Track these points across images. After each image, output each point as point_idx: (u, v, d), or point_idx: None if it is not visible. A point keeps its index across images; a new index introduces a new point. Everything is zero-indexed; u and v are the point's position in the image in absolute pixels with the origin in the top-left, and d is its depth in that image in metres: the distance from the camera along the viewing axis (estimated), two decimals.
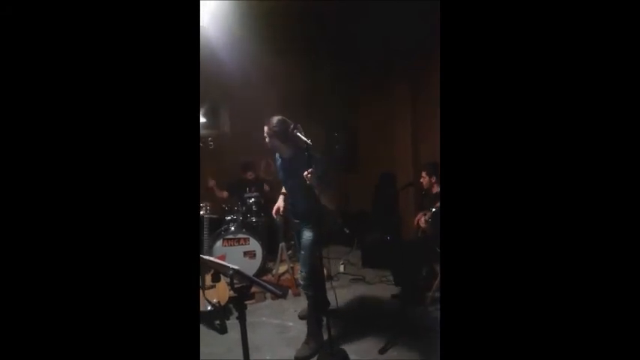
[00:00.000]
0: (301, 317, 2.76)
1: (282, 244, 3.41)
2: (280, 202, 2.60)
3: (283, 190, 2.61)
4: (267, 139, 2.29)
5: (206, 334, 2.63)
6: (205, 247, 2.94)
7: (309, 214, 2.34)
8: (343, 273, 3.78)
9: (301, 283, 2.35)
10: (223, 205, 3.74)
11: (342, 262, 3.94)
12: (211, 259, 1.78)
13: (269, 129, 2.25)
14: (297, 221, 2.46)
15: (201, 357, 2.30)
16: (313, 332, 2.37)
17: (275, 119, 2.25)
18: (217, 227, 3.44)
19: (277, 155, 2.43)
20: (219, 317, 2.69)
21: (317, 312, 2.43)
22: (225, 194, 3.89)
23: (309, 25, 4.16)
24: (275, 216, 2.66)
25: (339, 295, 2.60)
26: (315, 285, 2.38)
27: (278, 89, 4.44)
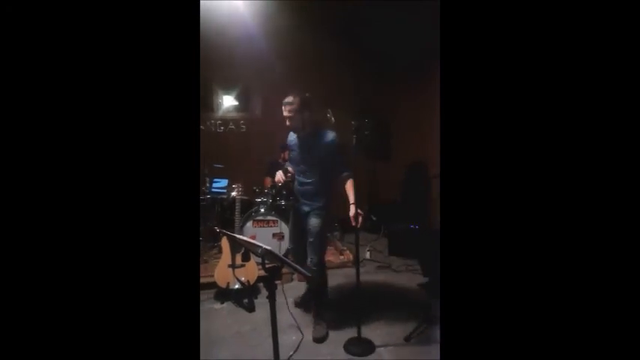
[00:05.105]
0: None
1: None
2: (280, 176, 2.44)
3: (288, 167, 2.53)
4: (290, 116, 2.28)
5: (234, 312, 2.72)
6: (236, 227, 3.00)
7: (320, 197, 2.40)
8: (369, 260, 3.78)
9: (313, 269, 2.37)
10: (254, 188, 3.80)
11: (368, 248, 3.94)
12: (244, 238, 1.82)
13: (294, 105, 2.26)
14: (306, 203, 2.46)
15: (228, 335, 2.41)
16: (321, 314, 2.48)
17: (298, 95, 2.28)
18: (248, 208, 3.51)
19: (291, 134, 2.47)
20: (247, 296, 2.77)
21: (323, 295, 2.55)
22: (268, 181, 3.97)
23: (343, 17, 4.14)
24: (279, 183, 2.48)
25: (366, 281, 2.62)
26: (322, 270, 2.49)
27: (310, 74, 4.44)
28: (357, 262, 2.39)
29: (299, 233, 2.53)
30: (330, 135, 2.34)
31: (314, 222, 2.38)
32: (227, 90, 4.73)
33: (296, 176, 2.47)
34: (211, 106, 4.67)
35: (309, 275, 1.74)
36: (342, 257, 3.70)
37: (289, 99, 2.27)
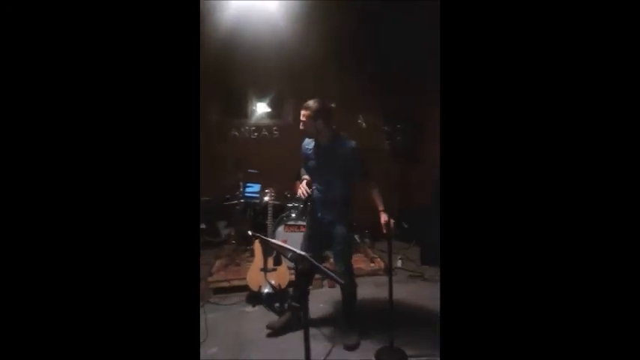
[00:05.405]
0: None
1: None
2: (304, 188, 2.33)
3: (305, 176, 2.48)
4: (307, 121, 2.21)
5: (265, 315, 2.74)
6: (269, 231, 3.04)
7: (340, 205, 2.32)
8: (400, 268, 3.72)
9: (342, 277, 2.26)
10: (286, 193, 3.85)
11: (399, 257, 3.88)
12: (277, 242, 1.84)
13: (311, 111, 2.20)
14: (326, 212, 2.38)
15: (259, 338, 2.42)
16: (353, 323, 2.42)
17: (318, 100, 2.22)
18: (280, 213, 3.55)
19: (308, 141, 2.39)
20: (278, 300, 2.79)
21: (353, 303, 2.47)
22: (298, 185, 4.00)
23: (378, 18, 4.14)
24: (302, 196, 2.36)
25: (397, 290, 2.56)
26: (351, 278, 2.41)
27: (339, 81, 4.46)
28: (389, 272, 2.36)
29: (315, 241, 2.48)
30: (349, 143, 2.28)
31: (339, 230, 2.32)
32: (260, 97, 4.84)
33: (316, 185, 2.42)
34: (245, 112, 4.79)
35: (342, 282, 1.73)
36: (372, 265, 3.66)
37: (307, 103, 2.23)
